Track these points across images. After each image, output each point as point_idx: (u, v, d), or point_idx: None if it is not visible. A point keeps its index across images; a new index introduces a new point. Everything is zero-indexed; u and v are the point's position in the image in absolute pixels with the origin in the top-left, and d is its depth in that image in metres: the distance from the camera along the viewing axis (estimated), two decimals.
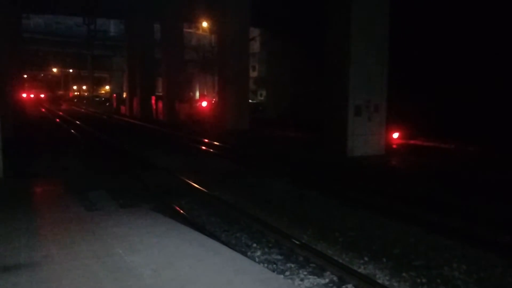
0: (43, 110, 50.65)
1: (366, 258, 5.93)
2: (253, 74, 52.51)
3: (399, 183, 10.80)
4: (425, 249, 6.25)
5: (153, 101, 35.98)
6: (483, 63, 17.54)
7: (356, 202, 8.77)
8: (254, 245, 6.45)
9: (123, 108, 45.52)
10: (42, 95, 74.72)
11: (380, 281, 5.25)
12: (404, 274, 5.45)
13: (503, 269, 5.61)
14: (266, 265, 5.68)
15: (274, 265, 5.71)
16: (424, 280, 5.30)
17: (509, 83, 16.56)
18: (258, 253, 6.14)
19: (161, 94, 36.16)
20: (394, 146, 16.41)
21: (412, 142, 17.41)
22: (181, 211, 8.06)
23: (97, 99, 78.31)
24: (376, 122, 14.72)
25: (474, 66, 17.88)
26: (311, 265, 5.67)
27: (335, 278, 5.28)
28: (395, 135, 16.79)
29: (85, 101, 77.54)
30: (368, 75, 14.35)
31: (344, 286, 5.10)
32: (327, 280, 5.25)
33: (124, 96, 50.55)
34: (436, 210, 8.09)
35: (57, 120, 35.36)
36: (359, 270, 5.49)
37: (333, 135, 14.94)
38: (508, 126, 15.70)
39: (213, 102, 37.04)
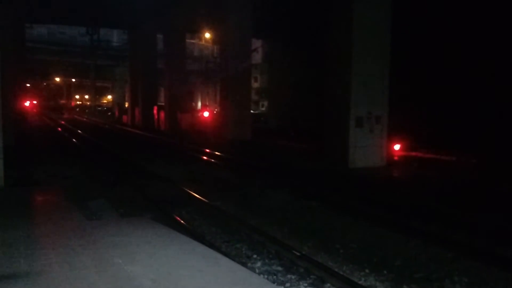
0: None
1: (367, 270, 5.90)
2: (255, 84, 52.60)
3: (400, 195, 10.77)
4: (426, 261, 6.21)
5: (155, 111, 36.07)
6: (485, 74, 17.56)
7: (357, 214, 8.74)
8: (255, 256, 6.42)
9: (125, 118, 45.62)
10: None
11: None
12: (405, 287, 5.42)
13: (506, 283, 5.57)
14: (266, 276, 5.65)
15: (275, 276, 5.68)
16: None
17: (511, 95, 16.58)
18: (259, 264, 6.11)
19: (163, 104, 36.26)
20: (396, 157, 16.38)
21: (413, 153, 17.37)
22: (182, 221, 8.04)
23: (99, 108, 78.63)
24: (378, 133, 14.72)
25: (476, 77, 17.91)
26: (311, 276, 5.64)
27: None
28: (397, 146, 16.76)
29: (87, 110, 77.83)
30: (369, 87, 14.37)
31: None
32: None
33: (126, 105, 50.69)
34: (437, 222, 8.06)
35: (59, 129, 35.42)
36: (360, 282, 5.46)
37: (335, 146, 14.92)
38: (510, 138, 15.69)
39: (215, 112, 37.11)
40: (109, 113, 63.71)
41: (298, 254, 6.21)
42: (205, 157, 17.64)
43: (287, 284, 5.43)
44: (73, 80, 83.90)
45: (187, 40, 38.56)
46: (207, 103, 62.02)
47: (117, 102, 65.64)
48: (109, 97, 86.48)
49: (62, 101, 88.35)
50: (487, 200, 9.91)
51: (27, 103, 37.26)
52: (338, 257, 6.41)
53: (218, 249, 6.27)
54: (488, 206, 9.29)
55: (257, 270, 5.85)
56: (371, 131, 14.56)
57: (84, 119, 55.73)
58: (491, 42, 17.37)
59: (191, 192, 10.34)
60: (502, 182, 11.86)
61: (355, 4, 14.14)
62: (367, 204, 9.63)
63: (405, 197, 10.54)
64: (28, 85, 50.88)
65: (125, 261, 5.04)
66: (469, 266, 6.03)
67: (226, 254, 6.00)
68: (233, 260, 5.62)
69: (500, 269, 5.92)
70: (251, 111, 28.98)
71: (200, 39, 51.70)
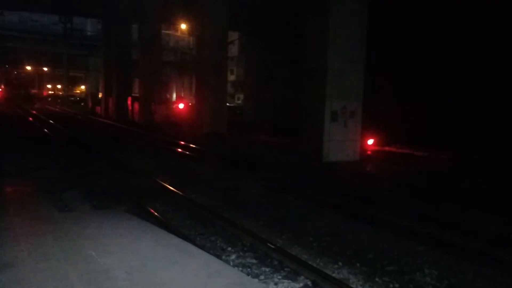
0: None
1: (340, 263, 5.98)
2: (231, 77, 52.50)
3: (373, 189, 10.93)
4: (398, 255, 6.33)
5: (129, 102, 35.60)
6: (459, 70, 17.84)
7: (330, 207, 8.84)
8: (229, 248, 6.44)
9: (98, 109, 44.96)
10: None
11: (353, 286, 5.30)
12: (377, 279, 5.51)
13: (474, 275, 5.72)
14: (241, 268, 5.67)
15: (249, 269, 5.70)
16: (396, 285, 5.37)
17: (486, 92, 16.90)
18: (233, 256, 6.13)
19: (137, 95, 35.82)
20: (369, 152, 16.58)
21: (386, 148, 17.62)
22: (156, 214, 7.98)
23: (72, 98, 77.27)
24: (352, 128, 14.85)
25: (450, 74, 18.20)
26: (285, 269, 5.68)
27: (309, 283, 5.30)
28: (370, 141, 16.96)
29: (59, 101, 76.30)
30: (344, 81, 14.47)
31: None
32: (301, 285, 5.27)
33: (100, 96, 49.91)
34: (408, 215, 8.21)
35: (30, 118, 34.68)
36: (333, 275, 5.52)
37: (309, 140, 15.00)
38: (483, 135, 16.02)
39: (190, 104, 36.85)
40: (82, 104, 62.66)
41: (272, 246, 6.25)
42: (179, 150, 17.54)
43: (262, 277, 5.47)
44: (45, 69, 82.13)
45: (163, 31, 38.08)
46: (183, 95, 61.61)
47: (91, 92, 64.45)
48: (82, 87, 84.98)
49: (34, 91, 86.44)
50: (455, 194, 10.11)
51: None
52: (312, 250, 6.48)
53: (192, 242, 6.25)
54: (457, 200, 9.49)
55: (231, 263, 5.87)
56: (346, 125, 14.68)
57: (57, 109, 54.66)
58: (468, 39, 17.64)
59: (166, 185, 10.29)
60: (469, 176, 12.13)
61: None
62: (341, 197, 9.74)
63: (377, 190, 10.70)
64: None
65: (98, 253, 4.98)
66: (439, 259, 6.18)
67: (200, 247, 5.99)
68: (208, 252, 5.62)
69: (469, 262, 6.08)
70: (227, 104, 28.89)
71: (176, 30, 51.19)
